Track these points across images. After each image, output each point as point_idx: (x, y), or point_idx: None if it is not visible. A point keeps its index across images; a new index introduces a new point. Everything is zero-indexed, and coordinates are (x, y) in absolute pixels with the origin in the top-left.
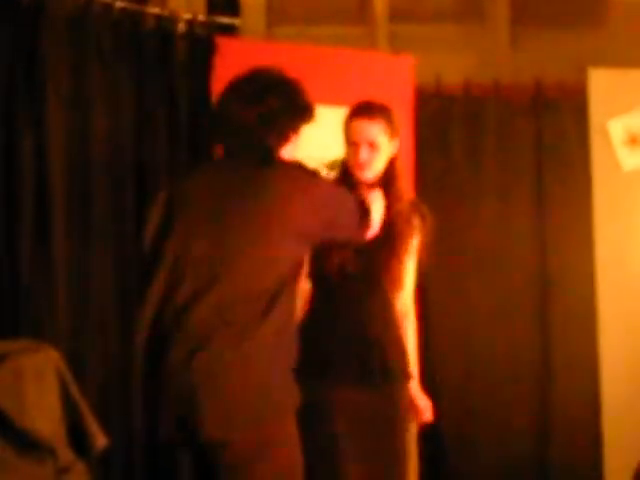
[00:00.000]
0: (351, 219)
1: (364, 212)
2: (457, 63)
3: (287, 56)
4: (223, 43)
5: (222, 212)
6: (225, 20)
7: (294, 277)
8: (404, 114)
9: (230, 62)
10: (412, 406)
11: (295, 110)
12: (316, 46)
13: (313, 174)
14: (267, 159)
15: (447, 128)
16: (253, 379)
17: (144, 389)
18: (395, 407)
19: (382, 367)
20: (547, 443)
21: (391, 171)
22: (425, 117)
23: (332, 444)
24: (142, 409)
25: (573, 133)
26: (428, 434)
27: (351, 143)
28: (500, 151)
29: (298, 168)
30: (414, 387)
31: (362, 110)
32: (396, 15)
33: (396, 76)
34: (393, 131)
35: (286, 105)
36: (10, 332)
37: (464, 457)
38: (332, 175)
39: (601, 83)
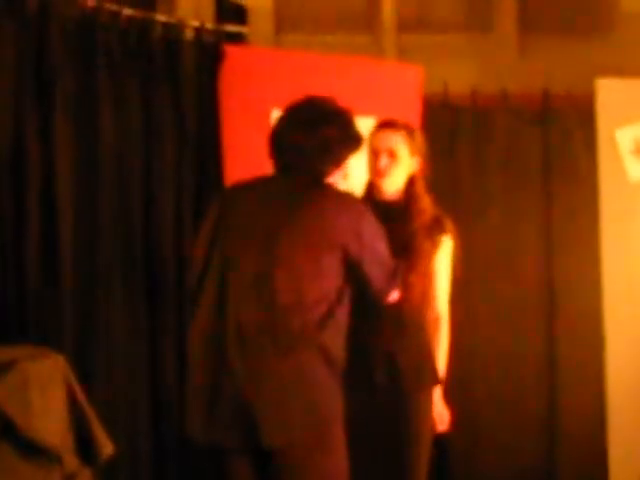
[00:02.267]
0: (382, 260)
1: (395, 273)
2: (465, 72)
3: (294, 64)
4: (231, 51)
5: (272, 227)
6: (233, 28)
7: (341, 292)
8: (412, 123)
9: (238, 69)
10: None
11: (348, 140)
12: (324, 54)
13: (362, 205)
14: (318, 184)
15: (455, 137)
16: (308, 386)
17: (201, 400)
18: (405, 413)
19: (389, 376)
20: (553, 449)
21: (412, 188)
22: (432, 126)
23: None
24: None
25: (580, 143)
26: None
27: (373, 152)
28: (507, 160)
29: (348, 196)
30: (435, 395)
31: (385, 123)
32: (404, 24)
33: (404, 85)
34: (414, 148)
35: (340, 135)
36: (17, 338)
37: (470, 465)
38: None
39: (609, 93)
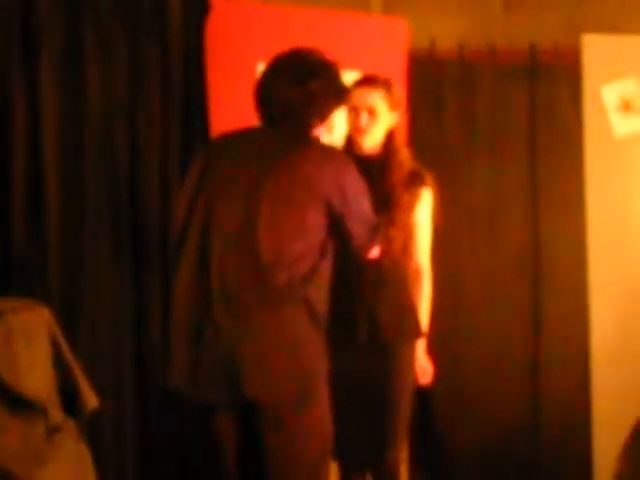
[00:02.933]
0: (365, 216)
1: (376, 228)
2: (451, 27)
3: (281, 18)
4: (217, 4)
5: (255, 179)
6: None
7: (324, 246)
8: (398, 78)
9: (224, 23)
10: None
11: (334, 93)
12: (310, 9)
13: (346, 159)
14: (303, 137)
15: (441, 93)
16: (293, 340)
17: (186, 355)
18: (387, 367)
19: (370, 329)
20: (537, 405)
21: (390, 143)
22: (419, 81)
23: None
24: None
25: (567, 99)
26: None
27: (352, 109)
28: (493, 116)
29: (333, 149)
30: (418, 348)
31: (365, 80)
32: None
33: (390, 40)
34: (393, 102)
35: (327, 88)
36: (1, 291)
37: (453, 421)
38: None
39: (595, 49)
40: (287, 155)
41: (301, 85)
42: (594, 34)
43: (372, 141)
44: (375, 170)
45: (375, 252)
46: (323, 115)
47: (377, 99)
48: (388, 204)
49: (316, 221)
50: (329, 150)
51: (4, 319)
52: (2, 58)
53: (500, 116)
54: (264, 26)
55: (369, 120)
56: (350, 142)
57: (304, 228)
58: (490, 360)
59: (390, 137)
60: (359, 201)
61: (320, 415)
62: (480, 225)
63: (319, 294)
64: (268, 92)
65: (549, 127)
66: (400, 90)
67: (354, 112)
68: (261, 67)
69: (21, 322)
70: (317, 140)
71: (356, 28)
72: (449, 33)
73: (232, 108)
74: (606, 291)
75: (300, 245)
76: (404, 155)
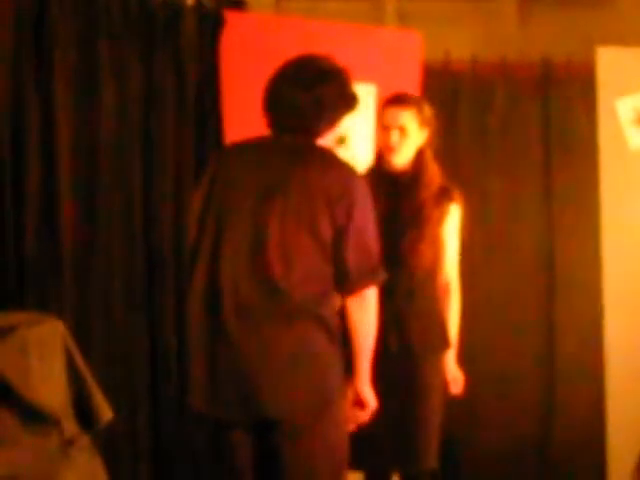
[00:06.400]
0: (366, 245)
1: (376, 268)
2: (465, 40)
3: (295, 31)
4: (231, 17)
5: (266, 190)
6: None
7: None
8: (411, 90)
9: (238, 36)
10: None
11: (343, 99)
12: (324, 21)
13: (354, 170)
14: (312, 146)
15: (454, 105)
16: (309, 356)
17: (202, 367)
18: (415, 376)
19: (400, 339)
20: (551, 423)
21: (420, 160)
22: (432, 94)
23: None
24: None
25: (581, 112)
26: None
27: (384, 127)
28: (507, 129)
29: (345, 164)
30: (448, 359)
31: (396, 99)
32: None
33: (404, 52)
34: (424, 120)
35: (336, 93)
36: (15, 304)
37: (466, 436)
38: (339, 149)
39: (609, 62)
40: (296, 166)
41: (309, 90)
42: (608, 47)
43: (402, 159)
44: (405, 186)
45: (370, 295)
46: (332, 121)
47: (408, 118)
48: (417, 219)
49: (327, 233)
50: (338, 161)
51: (18, 333)
52: (16, 75)
53: (514, 129)
54: (278, 39)
55: (400, 139)
56: (380, 159)
57: (315, 241)
58: (503, 373)
59: (420, 154)
60: (363, 225)
61: (336, 429)
62: (494, 238)
63: (333, 308)
64: (276, 97)
65: (563, 140)
66: (430, 108)
67: (385, 130)
68: None
69: (35, 335)
70: (328, 150)
71: (371, 41)
72: (463, 46)
73: (246, 120)
74: (621, 305)
75: (312, 259)
76: (434, 172)
